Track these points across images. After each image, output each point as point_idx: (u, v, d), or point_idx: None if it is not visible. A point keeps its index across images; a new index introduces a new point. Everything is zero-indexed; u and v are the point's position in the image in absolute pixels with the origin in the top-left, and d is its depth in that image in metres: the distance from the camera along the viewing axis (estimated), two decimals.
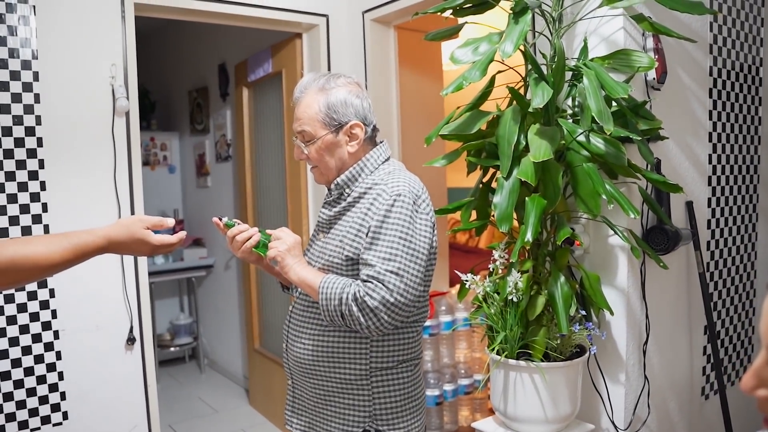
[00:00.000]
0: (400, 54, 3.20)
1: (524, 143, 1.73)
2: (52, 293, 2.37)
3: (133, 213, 2.56)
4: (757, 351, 2.05)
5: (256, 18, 2.98)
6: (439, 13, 1.91)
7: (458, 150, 1.95)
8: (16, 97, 2.28)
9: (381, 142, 1.73)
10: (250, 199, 4.03)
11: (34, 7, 2.31)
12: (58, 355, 2.39)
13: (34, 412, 2.34)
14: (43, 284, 2.34)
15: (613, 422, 1.99)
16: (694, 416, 2.31)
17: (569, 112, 1.89)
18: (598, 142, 1.72)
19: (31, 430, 2.33)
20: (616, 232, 1.80)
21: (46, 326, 2.36)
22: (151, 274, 3.94)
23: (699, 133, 2.24)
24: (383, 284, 1.50)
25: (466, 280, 1.84)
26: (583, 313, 1.85)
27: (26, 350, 2.32)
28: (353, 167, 1.66)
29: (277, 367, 3.71)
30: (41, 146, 2.34)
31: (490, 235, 5.00)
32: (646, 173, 1.83)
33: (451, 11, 1.91)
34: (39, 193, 2.34)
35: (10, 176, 2.28)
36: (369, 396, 1.64)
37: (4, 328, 2.28)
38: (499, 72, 1.90)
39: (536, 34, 2.05)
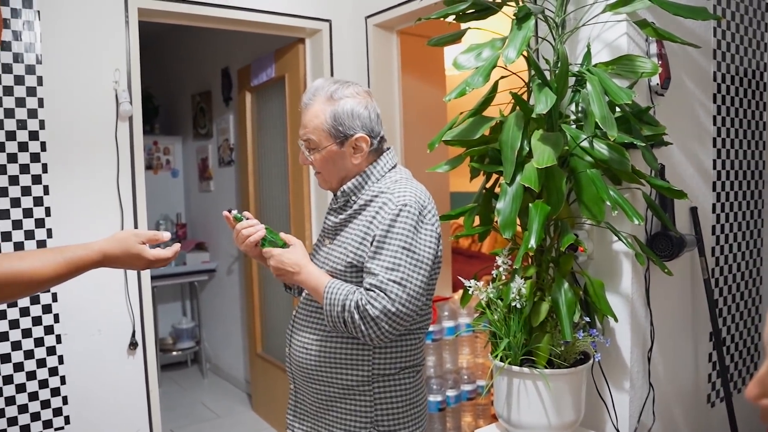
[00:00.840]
0: (402, 59, 3.20)
1: (527, 149, 1.72)
2: (54, 297, 2.37)
3: (136, 216, 2.56)
4: (764, 358, 2.05)
5: (260, 23, 2.99)
6: (442, 19, 1.90)
7: (461, 156, 1.94)
8: (20, 102, 2.29)
9: (388, 149, 1.72)
10: (253, 203, 4.03)
11: (38, 12, 2.31)
12: (61, 360, 2.39)
13: (36, 417, 2.33)
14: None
15: (617, 430, 1.98)
16: (700, 424, 2.29)
17: (572, 117, 1.88)
18: (601, 148, 1.71)
19: None
20: (620, 239, 1.79)
21: (49, 330, 2.36)
22: (153, 278, 3.94)
23: (703, 138, 2.23)
24: (385, 294, 1.49)
25: (470, 287, 1.83)
26: (587, 319, 1.84)
27: (28, 354, 2.32)
28: (359, 176, 1.66)
29: (280, 371, 3.70)
30: (44, 150, 2.34)
31: (492, 239, 4.99)
32: (650, 179, 1.82)
33: (454, 17, 1.91)
34: (42, 197, 2.34)
35: (14, 180, 2.28)
36: (371, 402, 1.64)
37: (7, 332, 2.27)
38: (502, 77, 1.90)
39: (539, 39, 2.05)
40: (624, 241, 1.79)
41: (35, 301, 2.33)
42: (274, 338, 3.93)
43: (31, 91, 2.31)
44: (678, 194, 1.80)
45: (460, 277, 1.92)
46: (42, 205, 2.34)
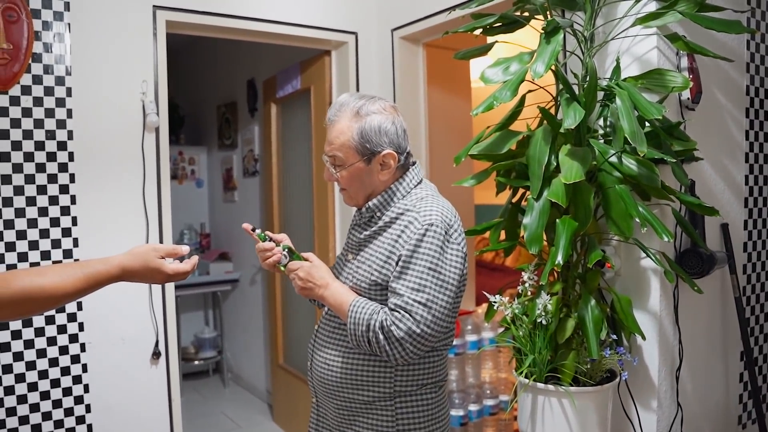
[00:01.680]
0: (428, 72, 3.19)
1: (555, 164, 1.70)
2: (79, 306, 2.39)
3: (161, 226, 2.58)
4: None
5: (286, 35, 3.01)
6: (469, 32, 1.89)
7: (488, 170, 1.93)
8: (50, 112, 2.32)
9: (413, 164, 1.70)
10: (277, 214, 4.04)
11: (69, 24, 2.35)
12: (84, 368, 2.40)
13: (59, 424, 2.35)
14: None
15: None
16: None
17: (601, 132, 1.86)
18: (630, 164, 1.68)
19: None
20: (648, 255, 1.76)
21: (73, 339, 2.38)
22: (177, 287, 3.96)
23: (735, 153, 2.18)
24: (411, 315, 1.48)
25: (494, 302, 1.81)
26: (614, 337, 1.80)
27: (53, 362, 2.34)
28: (385, 192, 1.64)
29: (302, 383, 3.69)
30: (72, 161, 2.37)
31: (516, 253, 4.95)
32: (680, 195, 1.79)
33: (481, 30, 1.90)
34: (69, 206, 2.37)
35: (42, 190, 2.31)
36: (392, 417, 1.62)
37: (32, 339, 2.30)
38: (530, 91, 1.88)
39: (567, 53, 2.03)
40: (652, 257, 1.75)
41: (60, 309, 2.35)
42: (296, 349, 3.93)
43: (60, 102, 2.34)
44: (709, 211, 1.77)
45: (484, 292, 1.90)
46: (69, 214, 2.37)
